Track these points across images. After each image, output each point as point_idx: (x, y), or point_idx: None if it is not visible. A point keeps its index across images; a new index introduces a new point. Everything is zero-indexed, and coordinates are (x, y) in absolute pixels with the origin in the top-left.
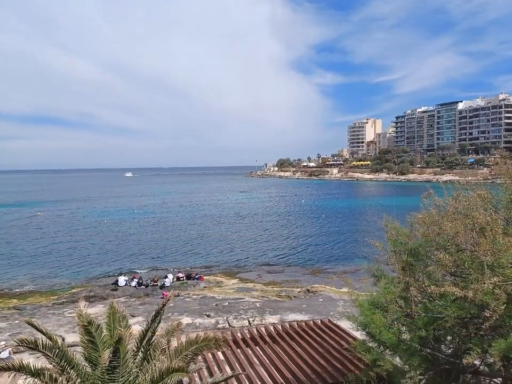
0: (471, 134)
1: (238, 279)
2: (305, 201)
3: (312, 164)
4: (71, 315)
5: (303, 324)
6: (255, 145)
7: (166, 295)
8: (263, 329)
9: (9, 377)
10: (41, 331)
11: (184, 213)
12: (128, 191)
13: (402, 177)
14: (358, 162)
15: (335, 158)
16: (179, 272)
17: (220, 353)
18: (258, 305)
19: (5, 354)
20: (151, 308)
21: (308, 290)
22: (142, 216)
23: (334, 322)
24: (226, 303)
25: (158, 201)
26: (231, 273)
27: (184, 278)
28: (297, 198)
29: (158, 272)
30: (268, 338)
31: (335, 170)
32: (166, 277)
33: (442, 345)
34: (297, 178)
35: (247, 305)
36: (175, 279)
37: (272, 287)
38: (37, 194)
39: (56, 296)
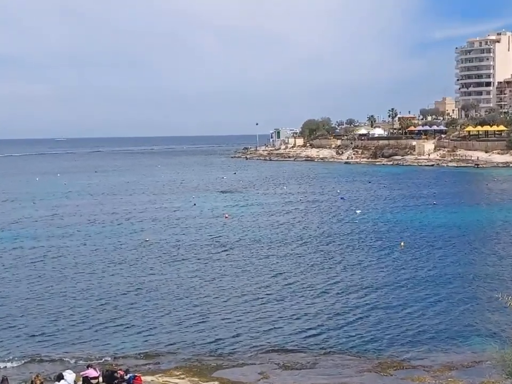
0: None
1: (217, 383)
2: (363, 211)
3: (378, 132)
4: None
5: None
6: (254, 91)
7: None
8: None
9: None
10: None
11: (99, 238)
12: None
13: None
14: (479, 128)
15: (431, 119)
16: (89, 367)
17: None
18: None
19: None
20: None
21: None
22: (7, 245)
23: None
24: None
25: (43, 213)
26: (202, 369)
27: (100, 379)
28: (345, 205)
29: (42, 368)
30: None
31: (428, 146)
32: (59, 377)
33: None
34: (347, 163)
35: None
36: (81, 383)
37: None
38: None
39: None
